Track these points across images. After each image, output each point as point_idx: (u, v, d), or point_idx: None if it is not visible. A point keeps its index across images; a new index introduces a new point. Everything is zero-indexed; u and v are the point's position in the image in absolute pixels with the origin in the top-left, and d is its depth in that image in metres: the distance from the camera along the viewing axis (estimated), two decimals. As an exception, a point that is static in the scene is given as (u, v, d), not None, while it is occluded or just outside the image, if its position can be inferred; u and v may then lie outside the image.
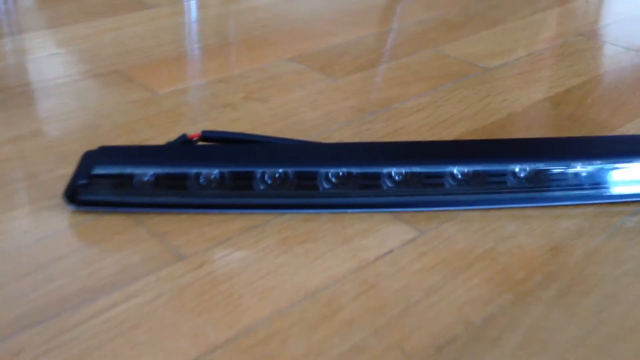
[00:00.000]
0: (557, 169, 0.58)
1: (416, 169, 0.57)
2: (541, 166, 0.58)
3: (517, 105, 0.78)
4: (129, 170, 0.55)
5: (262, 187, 0.57)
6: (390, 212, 0.57)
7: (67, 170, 0.59)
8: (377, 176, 0.57)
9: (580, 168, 0.58)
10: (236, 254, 0.52)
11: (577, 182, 0.59)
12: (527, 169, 0.58)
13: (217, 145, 0.60)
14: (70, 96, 0.79)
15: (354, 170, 0.57)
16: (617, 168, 0.59)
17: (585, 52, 0.94)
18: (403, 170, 0.57)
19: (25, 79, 0.83)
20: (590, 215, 0.58)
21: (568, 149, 0.60)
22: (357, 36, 0.99)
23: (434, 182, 0.58)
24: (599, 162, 0.59)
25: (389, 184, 0.58)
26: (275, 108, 0.77)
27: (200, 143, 0.63)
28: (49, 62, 0.88)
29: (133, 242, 0.53)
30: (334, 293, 0.48)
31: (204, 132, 0.62)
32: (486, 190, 0.58)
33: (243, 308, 0.47)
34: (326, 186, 0.57)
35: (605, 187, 0.59)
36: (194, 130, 0.68)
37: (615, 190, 0.59)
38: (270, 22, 1.04)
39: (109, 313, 0.46)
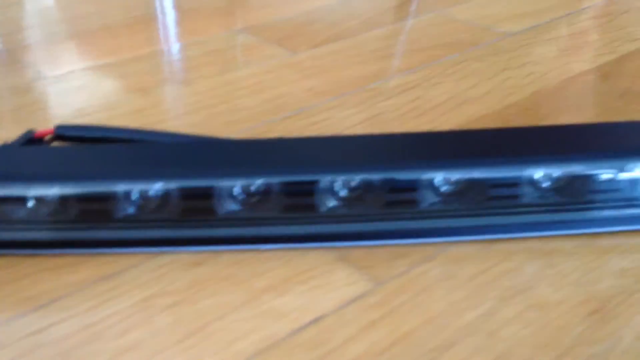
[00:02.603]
0: (603, 174, 0.38)
1: (374, 177, 0.38)
2: (578, 170, 0.38)
3: (548, 81, 0.58)
4: None
5: (125, 212, 0.38)
6: (332, 247, 0.38)
7: None
8: (311, 191, 0.38)
9: (643, 171, 0.38)
10: (64, 326, 0.33)
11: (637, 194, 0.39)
12: (555, 174, 0.38)
13: (71, 148, 0.42)
14: None
15: (275, 180, 0.38)
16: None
17: (646, 9, 0.74)
18: (353, 179, 0.38)
19: None
20: (661, 249, 0.38)
21: (620, 142, 0.40)
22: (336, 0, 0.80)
23: (402, 199, 0.38)
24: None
25: (331, 203, 0.38)
26: (203, 92, 0.59)
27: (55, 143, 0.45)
28: None
29: None
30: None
31: (58, 127, 0.44)
32: (487, 210, 0.39)
33: None
34: (230, 208, 0.38)
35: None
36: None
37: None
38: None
39: None
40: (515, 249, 0.38)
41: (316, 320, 0.33)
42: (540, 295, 0.34)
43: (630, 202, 0.38)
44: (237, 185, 0.38)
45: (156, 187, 0.38)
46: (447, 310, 0.34)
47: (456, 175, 0.38)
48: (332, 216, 0.38)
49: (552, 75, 0.59)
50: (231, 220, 0.38)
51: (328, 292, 0.35)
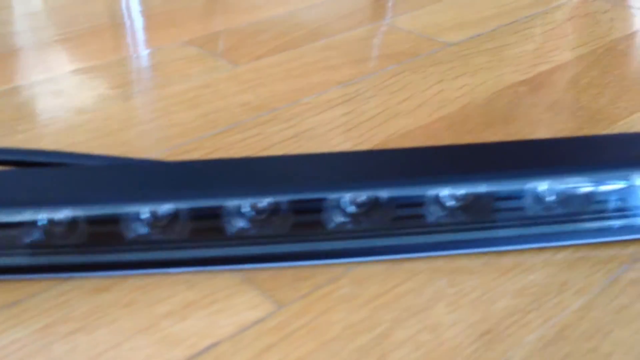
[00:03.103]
0: (508, 192, 0.39)
1: (281, 199, 0.38)
2: (482, 188, 0.39)
3: (479, 93, 0.58)
4: None
5: (32, 238, 0.38)
6: (239, 269, 0.38)
7: None
8: (218, 214, 0.38)
9: (547, 188, 0.39)
10: (-38, 354, 0.33)
11: (542, 213, 0.39)
12: (460, 193, 0.39)
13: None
14: None
15: (183, 204, 0.38)
16: (607, 187, 0.39)
17: (588, 17, 0.74)
18: (260, 202, 0.38)
19: None
20: (562, 267, 0.38)
21: (529, 158, 0.40)
22: (291, 9, 0.80)
23: (309, 220, 0.39)
24: (577, 177, 0.39)
25: (238, 225, 0.39)
26: (139, 108, 0.59)
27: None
28: None
29: None
30: None
31: (-24, 150, 0.44)
32: (394, 230, 0.39)
33: None
34: (138, 232, 0.38)
35: (588, 219, 0.40)
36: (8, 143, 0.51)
37: (606, 223, 0.40)
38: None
39: None
40: (420, 268, 0.38)
41: (213, 346, 0.33)
42: (436, 315, 0.35)
43: (533, 220, 0.39)
44: (144, 210, 0.38)
45: (64, 212, 0.38)
46: (343, 333, 0.34)
47: (363, 195, 0.38)
48: (239, 238, 0.39)
49: (484, 87, 0.59)
50: (139, 244, 0.38)
51: (229, 316, 0.35)
